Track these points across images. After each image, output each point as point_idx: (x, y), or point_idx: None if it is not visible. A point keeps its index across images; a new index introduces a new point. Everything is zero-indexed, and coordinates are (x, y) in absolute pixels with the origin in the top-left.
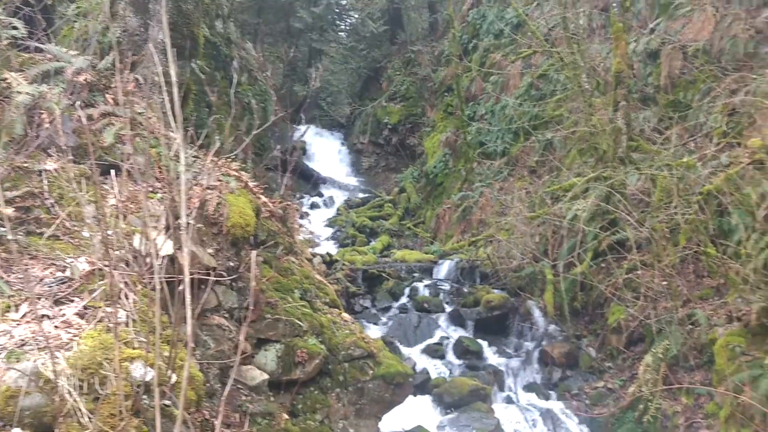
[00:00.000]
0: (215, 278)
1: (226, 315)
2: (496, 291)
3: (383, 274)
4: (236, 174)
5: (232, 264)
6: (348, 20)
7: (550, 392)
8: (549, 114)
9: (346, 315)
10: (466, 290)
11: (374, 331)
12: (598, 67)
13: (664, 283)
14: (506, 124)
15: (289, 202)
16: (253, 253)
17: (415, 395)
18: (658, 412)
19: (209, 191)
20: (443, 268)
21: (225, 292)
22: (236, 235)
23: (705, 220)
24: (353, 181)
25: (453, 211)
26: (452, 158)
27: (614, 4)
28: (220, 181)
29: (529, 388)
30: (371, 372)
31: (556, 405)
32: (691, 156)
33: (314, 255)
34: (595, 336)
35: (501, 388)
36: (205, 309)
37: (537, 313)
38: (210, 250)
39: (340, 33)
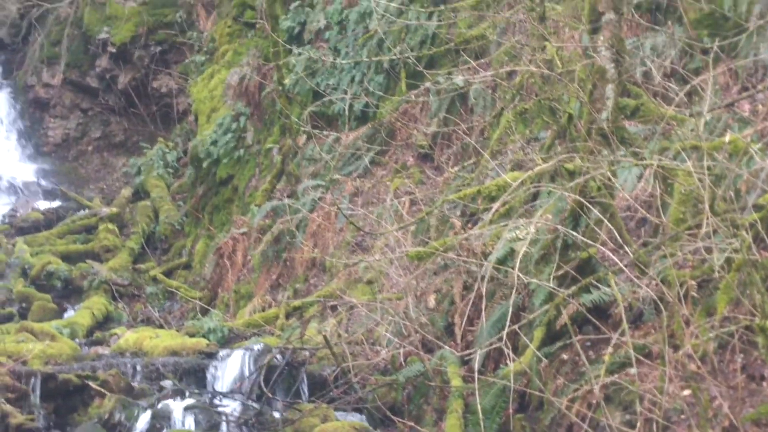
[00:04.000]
0: None
1: None
2: (342, 415)
3: (92, 385)
4: None
5: None
6: None
7: None
8: (459, 34)
9: None
10: (278, 415)
11: None
12: None
13: (686, 392)
14: (370, 53)
15: None
16: None
17: None
18: None
19: None
20: (229, 368)
21: None
22: None
23: (766, 261)
24: (28, 171)
25: (252, 241)
26: (252, 124)
27: None
28: None
29: None
30: None
31: None
32: (744, 128)
33: None
34: None
35: None
36: None
37: None
38: None
39: None
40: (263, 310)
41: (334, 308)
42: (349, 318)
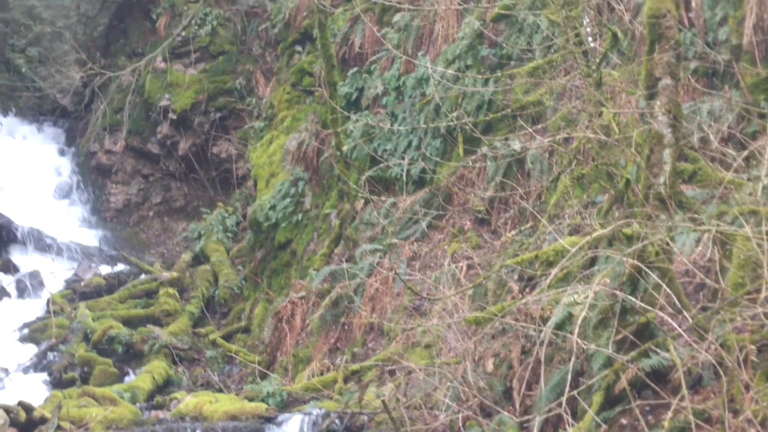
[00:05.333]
0: None
1: None
2: None
3: None
4: None
5: None
6: None
7: None
8: (515, 100)
9: None
10: None
11: None
12: (615, 4)
13: None
14: (427, 119)
15: None
16: None
17: None
18: None
19: None
20: None
21: None
22: None
23: None
24: (90, 236)
25: (311, 305)
26: (310, 189)
27: None
28: None
29: None
30: None
31: None
32: None
33: None
34: None
35: None
36: None
37: None
38: None
39: None
40: (321, 374)
41: (392, 372)
42: (408, 382)
